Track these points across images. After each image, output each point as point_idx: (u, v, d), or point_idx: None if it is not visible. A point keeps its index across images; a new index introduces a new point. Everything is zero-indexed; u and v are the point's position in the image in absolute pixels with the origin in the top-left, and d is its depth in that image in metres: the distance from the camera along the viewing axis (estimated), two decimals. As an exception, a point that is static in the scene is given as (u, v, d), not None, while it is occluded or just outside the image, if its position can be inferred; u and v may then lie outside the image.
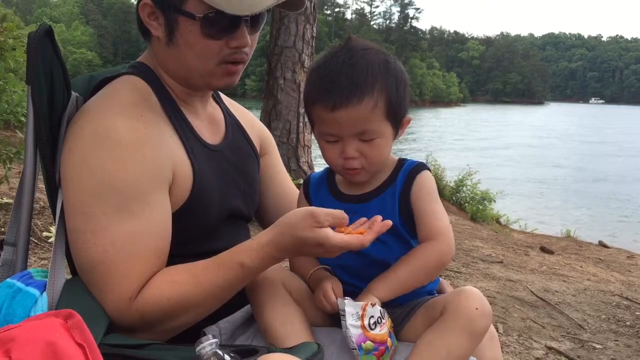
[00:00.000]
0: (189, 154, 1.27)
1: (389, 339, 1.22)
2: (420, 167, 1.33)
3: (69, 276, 1.24)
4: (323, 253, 1.19)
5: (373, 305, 1.21)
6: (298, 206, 1.43)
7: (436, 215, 1.29)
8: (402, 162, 1.37)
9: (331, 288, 1.25)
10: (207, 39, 1.22)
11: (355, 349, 1.17)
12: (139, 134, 1.19)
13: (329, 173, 1.41)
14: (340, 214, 1.17)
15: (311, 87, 1.28)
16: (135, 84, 1.28)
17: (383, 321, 1.22)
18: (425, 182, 1.31)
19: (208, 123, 1.41)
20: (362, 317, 1.19)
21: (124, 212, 1.15)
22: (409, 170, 1.32)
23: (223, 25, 1.21)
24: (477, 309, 1.18)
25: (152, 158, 1.19)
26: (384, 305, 1.25)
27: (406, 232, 1.31)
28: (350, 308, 1.19)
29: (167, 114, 1.28)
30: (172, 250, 1.24)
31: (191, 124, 1.33)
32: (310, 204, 1.39)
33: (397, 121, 1.29)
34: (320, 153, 1.34)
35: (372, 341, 1.18)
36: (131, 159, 1.17)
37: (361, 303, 1.20)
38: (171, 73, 1.31)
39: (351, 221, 1.26)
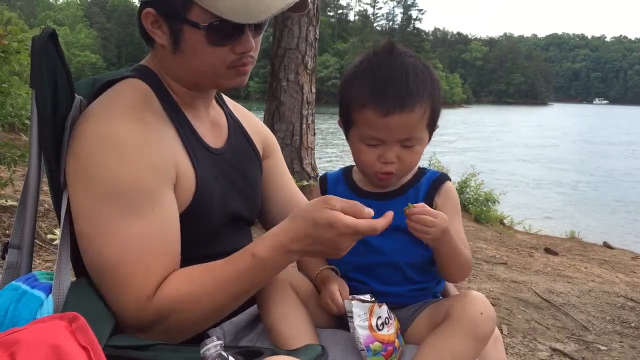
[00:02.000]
0: (191, 158, 1.27)
1: (396, 340, 1.22)
2: (444, 177, 1.38)
3: (74, 278, 1.25)
4: (334, 237, 1.11)
5: (380, 305, 1.22)
6: None
7: (464, 237, 1.36)
8: (422, 169, 1.41)
9: (337, 289, 1.26)
10: (213, 47, 1.22)
11: (364, 349, 1.18)
12: (141, 135, 1.20)
13: (345, 172, 1.43)
14: (354, 203, 1.13)
15: (359, 90, 1.28)
16: (138, 87, 1.28)
17: (390, 322, 1.22)
18: (453, 193, 1.37)
19: (210, 126, 1.41)
20: (369, 318, 1.19)
21: (132, 214, 1.15)
22: (433, 179, 1.37)
23: (228, 32, 1.21)
24: (482, 313, 1.18)
25: (156, 159, 1.19)
26: (390, 306, 1.25)
27: None
28: (357, 309, 1.19)
29: (170, 117, 1.28)
30: None
31: (194, 127, 1.33)
32: None
33: (434, 128, 1.33)
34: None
35: (380, 342, 1.18)
36: (135, 160, 1.17)
37: (368, 304, 1.21)
38: (178, 78, 1.31)
39: None
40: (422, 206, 1.21)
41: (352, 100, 1.29)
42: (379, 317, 1.20)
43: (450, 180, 1.39)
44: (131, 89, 1.28)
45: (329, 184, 1.44)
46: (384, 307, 1.22)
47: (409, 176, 1.37)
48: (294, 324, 1.24)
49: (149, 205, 1.17)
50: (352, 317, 1.19)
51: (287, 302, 1.26)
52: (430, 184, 1.36)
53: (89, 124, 1.20)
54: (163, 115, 1.27)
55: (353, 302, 1.20)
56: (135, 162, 1.17)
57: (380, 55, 1.30)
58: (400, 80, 1.24)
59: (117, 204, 1.14)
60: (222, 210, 1.34)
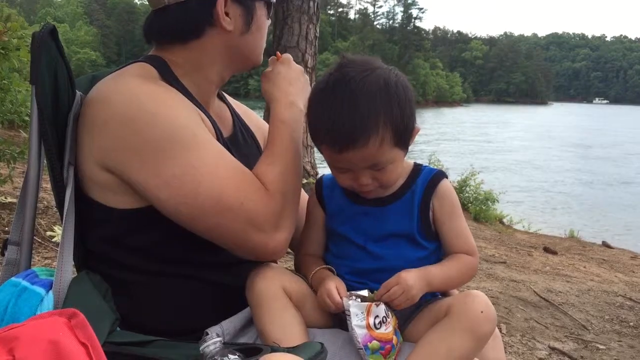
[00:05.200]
0: (212, 123, 1.31)
1: (394, 337, 1.22)
2: (440, 175, 1.35)
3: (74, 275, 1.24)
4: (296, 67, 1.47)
5: (377, 304, 1.21)
6: (309, 208, 1.45)
7: (468, 232, 1.36)
8: (418, 167, 1.37)
9: (335, 287, 1.25)
10: (268, 19, 1.41)
11: (362, 349, 1.18)
12: (163, 87, 1.24)
13: None
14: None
15: (314, 125, 1.26)
16: (148, 68, 1.29)
17: (388, 320, 1.22)
18: (449, 193, 1.34)
19: (217, 118, 1.42)
20: (367, 317, 1.19)
21: (199, 140, 1.19)
22: (428, 179, 1.33)
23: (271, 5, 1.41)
24: (482, 312, 1.17)
25: (188, 105, 1.25)
26: (388, 304, 1.25)
27: (423, 238, 1.32)
28: (355, 308, 1.19)
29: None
30: (171, 245, 1.24)
31: (206, 109, 1.35)
32: (324, 205, 1.41)
33: (407, 141, 1.27)
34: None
35: (378, 340, 1.18)
36: (173, 101, 1.21)
37: (366, 303, 1.20)
38: (226, 62, 1.37)
39: (365, 222, 1.31)
40: (383, 287, 1.23)
41: (310, 132, 1.29)
42: (377, 316, 1.20)
43: (446, 177, 1.36)
44: (139, 69, 1.29)
45: (324, 188, 1.42)
46: (382, 306, 1.22)
47: (404, 177, 1.35)
48: (283, 328, 1.23)
49: (206, 133, 1.22)
50: (349, 316, 1.19)
51: (278, 307, 1.25)
52: (426, 185, 1.33)
53: (106, 95, 1.21)
54: (173, 89, 1.28)
55: (350, 301, 1.20)
56: (174, 102, 1.21)
57: (332, 81, 1.23)
58: (349, 116, 1.18)
59: (184, 139, 1.16)
60: None
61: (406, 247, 1.31)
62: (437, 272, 1.28)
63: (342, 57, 1.28)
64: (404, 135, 1.24)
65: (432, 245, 1.34)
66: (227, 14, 1.30)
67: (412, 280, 1.22)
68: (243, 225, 1.19)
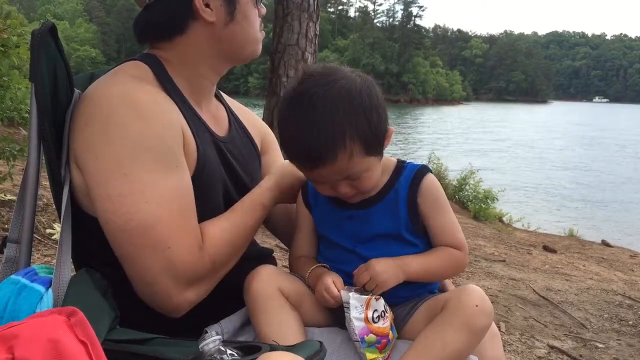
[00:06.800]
0: (193, 132, 1.26)
1: (390, 332, 1.23)
2: (423, 170, 1.33)
3: (73, 272, 1.24)
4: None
5: (377, 299, 1.22)
6: (297, 211, 1.45)
7: (456, 226, 1.34)
8: (401, 164, 1.36)
9: (332, 282, 1.26)
10: (255, 8, 1.37)
11: (358, 341, 1.19)
12: (152, 96, 1.21)
13: None
14: None
15: (281, 143, 1.26)
16: (140, 66, 1.29)
17: (386, 315, 1.23)
18: (433, 188, 1.32)
19: (212, 118, 1.41)
20: (365, 311, 1.20)
21: (162, 168, 1.15)
22: (412, 176, 1.31)
23: None
24: (477, 306, 1.17)
25: (169, 119, 1.21)
26: (386, 300, 1.25)
27: (413, 235, 1.32)
28: (354, 301, 1.20)
29: (171, 97, 1.28)
30: None
31: (196, 111, 1.34)
32: (310, 210, 1.40)
33: (379, 147, 1.25)
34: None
35: (375, 334, 1.19)
36: (154, 118, 1.17)
37: (365, 297, 1.21)
38: (216, 55, 1.35)
39: (351, 225, 1.31)
40: (354, 274, 1.26)
41: (281, 147, 1.28)
42: (375, 310, 1.21)
43: (430, 171, 1.34)
44: (134, 68, 1.29)
45: (309, 194, 1.41)
46: (381, 301, 1.23)
47: (386, 176, 1.33)
48: (280, 329, 1.23)
49: (174, 162, 1.18)
50: (348, 308, 1.20)
51: (274, 307, 1.25)
52: (410, 184, 1.31)
53: (95, 96, 1.20)
54: (163, 94, 1.27)
55: (350, 293, 1.21)
56: (154, 120, 1.17)
57: (296, 97, 1.20)
58: (314, 136, 1.16)
59: (145, 159, 1.14)
60: (219, 196, 1.34)
61: (395, 246, 1.31)
62: (413, 260, 1.28)
63: (303, 70, 1.25)
64: (374, 143, 1.23)
65: (422, 241, 1.33)
66: (207, 5, 1.29)
67: (381, 266, 1.23)
68: (158, 268, 1.15)
